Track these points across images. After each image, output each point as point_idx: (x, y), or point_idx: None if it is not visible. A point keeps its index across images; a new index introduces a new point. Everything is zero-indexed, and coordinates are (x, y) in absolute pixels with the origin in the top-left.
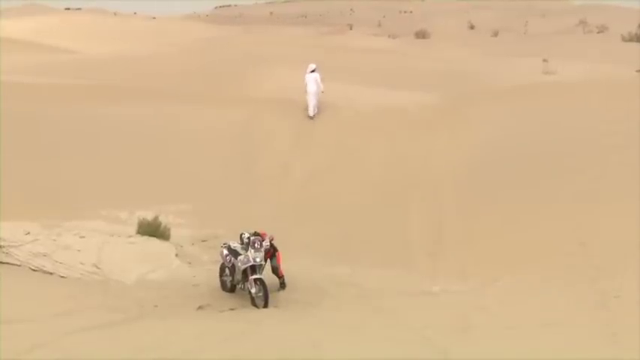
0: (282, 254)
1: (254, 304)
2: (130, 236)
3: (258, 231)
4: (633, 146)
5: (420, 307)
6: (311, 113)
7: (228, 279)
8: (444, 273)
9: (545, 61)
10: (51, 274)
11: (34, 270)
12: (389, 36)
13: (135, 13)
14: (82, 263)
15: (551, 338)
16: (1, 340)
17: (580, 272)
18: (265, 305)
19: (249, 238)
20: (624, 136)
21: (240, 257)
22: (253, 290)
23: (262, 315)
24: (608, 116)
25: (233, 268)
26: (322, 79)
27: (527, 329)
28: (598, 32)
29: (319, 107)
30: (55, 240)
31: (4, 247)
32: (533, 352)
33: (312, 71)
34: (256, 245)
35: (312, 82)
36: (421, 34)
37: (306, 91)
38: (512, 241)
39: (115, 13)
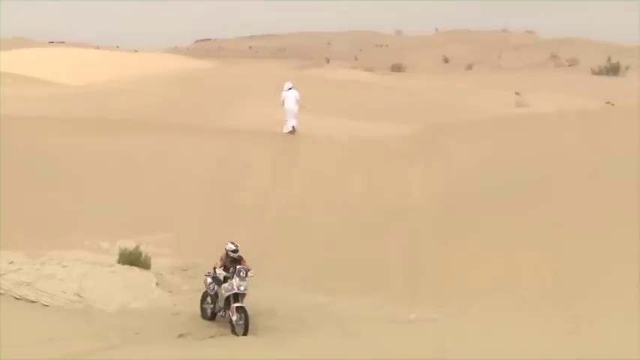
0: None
1: (234, 332)
2: (112, 265)
3: (240, 253)
4: (604, 176)
5: (396, 334)
6: (289, 129)
7: (209, 307)
8: (420, 300)
9: (517, 93)
10: (34, 302)
11: (17, 298)
12: (365, 69)
13: (117, 46)
14: (64, 292)
15: None
16: None
17: (553, 299)
18: (245, 333)
19: (234, 251)
20: (596, 166)
21: (224, 285)
22: (234, 318)
23: (241, 343)
24: (579, 147)
25: (216, 296)
26: (291, 100)
27: (502, 355)
28: (569, 65)
29: (297, 127)
30: (38, 269)
31: None
32: None
33: (290, 89)
34: (241, 274)
35: (292, 99)
36: (397, 68)
37: (284, 108)
38: (487, 268)
39: (97, 47)
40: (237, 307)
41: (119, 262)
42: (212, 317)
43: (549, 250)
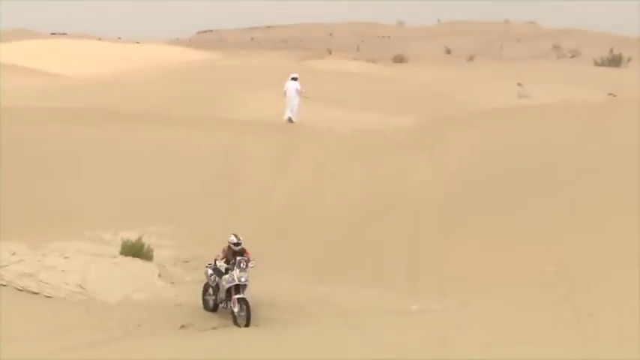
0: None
1: (236, 323)
2: (114, 257)
3: (244, 246)
4: (607, 168)
5: (398, 326)
6: (287, 116)
7: (210, 298)
8: (422, 292)
9: (519, 85)
10: (36, 294)
11: (19, 290)
12: (367, 60)
13: (119, 38)
14: (66, 283)
15: (527, 356)
16: None
17: (555, 291)
18: (247, 324)
19: (236, 244)
20: (598, 158)
21: (225, 276)
22: (236, 309)
23: (243, 334)
24: (581, 139)
25: (217, 287)
26: (303, 89)
27: (504, 347)
28: (571, 56)
29: (298, 116)
30: (40, 260)
31: None
32: None
33: (294, 79)
34: (242, 265)
35: (292, 89)
36: (399, 59)
37: (285, 96)
38: (489, 260)
39: (99, 38)
40: (238, 299)
41: (121, 253)
42: (214, 309)
43: (551, 243)
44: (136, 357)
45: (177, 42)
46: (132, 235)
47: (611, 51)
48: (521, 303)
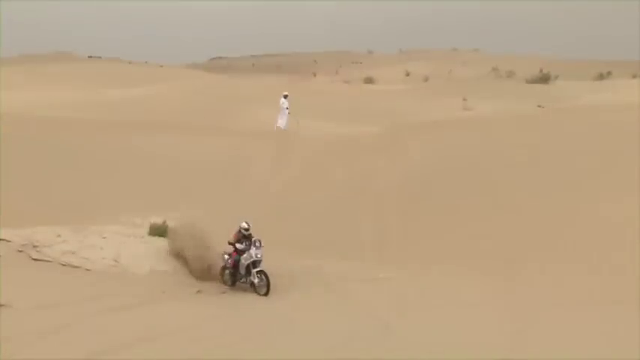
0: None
1: (257, 292)
2: (143, 237)
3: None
4: (537, 166)
5: (369, 290)
6: (277, 127)
7: (229, 277)
8: (387, 263)
9: (464, 100)
10: (77, 267)
11: (63, 265)
12: (344, 81)
13: (146, 62)
14: (103, 258)
15: (473, 314)
16: (32, 321)
17: (494, 264)
18: (267, 292)
19: (246, 229)
20: (529, 158)
21: (243, 255)
22: (256, 280)
23: (246, 298)
24: (515, 142)
25: (234, 267)
26: (285, 106)
27: (453, 307)
28: (507, 76)
29: (285, 127)
30: (81, 240)
31: (38, 247)
32: (457, 324)
33: (284, 97)
34: (257, 244)
35: (281, 105)
36: (369, 80)
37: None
38: (441, 239)
39: (129, 62)
40: (257, 271)
41: (149, 234)
42: (232, 284)
43: (489, 224)
44: (160, 317)
45: (193, 66)
46: (158, 220)
47: (541, 70)
48: (468, 273)
